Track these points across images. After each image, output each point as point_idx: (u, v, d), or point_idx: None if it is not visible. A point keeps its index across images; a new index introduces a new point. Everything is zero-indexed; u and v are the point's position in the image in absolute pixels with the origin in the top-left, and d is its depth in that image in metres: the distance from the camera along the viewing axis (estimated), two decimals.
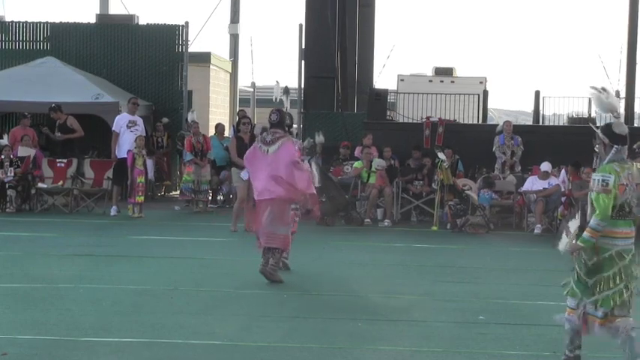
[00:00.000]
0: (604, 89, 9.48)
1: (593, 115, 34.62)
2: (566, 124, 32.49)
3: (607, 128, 9.21)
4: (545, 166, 22.82)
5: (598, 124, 9.39)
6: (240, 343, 10.76)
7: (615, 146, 9.15)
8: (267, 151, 14.51)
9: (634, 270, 9.10)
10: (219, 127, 27.03)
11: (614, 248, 9.04)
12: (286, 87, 20.61)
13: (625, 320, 9.05)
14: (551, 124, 33.19)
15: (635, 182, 9.18)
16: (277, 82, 25.92)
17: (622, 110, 8.02)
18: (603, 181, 9.03)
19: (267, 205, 14.52)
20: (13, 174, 23.20)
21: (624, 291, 9.03)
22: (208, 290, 14.12)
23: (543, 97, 34.43)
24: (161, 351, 10.44)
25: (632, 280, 9.07)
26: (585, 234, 9.00)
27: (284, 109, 15.99)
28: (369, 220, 23.08)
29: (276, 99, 17.20)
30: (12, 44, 29.49)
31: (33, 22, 29.56)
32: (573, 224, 9.27)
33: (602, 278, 9.03)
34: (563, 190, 22.31)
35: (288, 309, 12.98)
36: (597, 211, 8.98)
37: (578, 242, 9.06)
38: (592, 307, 9.10)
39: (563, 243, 9.25)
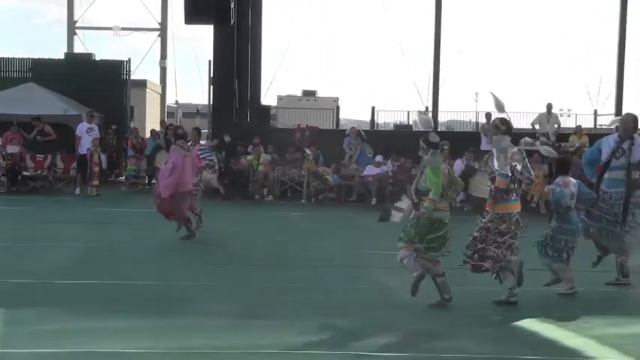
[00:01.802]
0: (425, 112, 9.83)
1: (410, 123, 35.16)
2: (392, 130, 32.89)
3: (426, 138, 9.42)
4: (378, 157, 23.11)
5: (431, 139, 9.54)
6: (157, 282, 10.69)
7: (432, 150, 9.35)
8: (186, 155, 14.50)
9: (449, 229, 9.35)
10: (153, 132, 26.92)
11: (445, 218, 9.31)
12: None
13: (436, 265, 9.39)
14: (382, 129, 33.51)
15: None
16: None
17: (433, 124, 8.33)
18: (438, 169, 9.31)
19: (188, 194, 14.58)
20: (4, 165, 23.04)
21: (445, 242, 9.32)
22: (147, 247, 13.94)
23: (377, 111, 34.83)
24: (114, 290, 10.29)
25: (448, 235, 9.35)
26: (427, 204, 9.19)
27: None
28: (258, 196, 23.04)
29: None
30: (3, 74, 28.88)
31: (18, 58, 29.13)
32: (404, 203, 9.48)
33: (437, 236, 9.25)
34: (390, 174, 22.70)
35: (206, 259, 12.90)
36: (434, 189, 9.18)
37: (422, 210, 9.20)
38: (424, 251, 9.29)
39: (398, 215, 9.48)
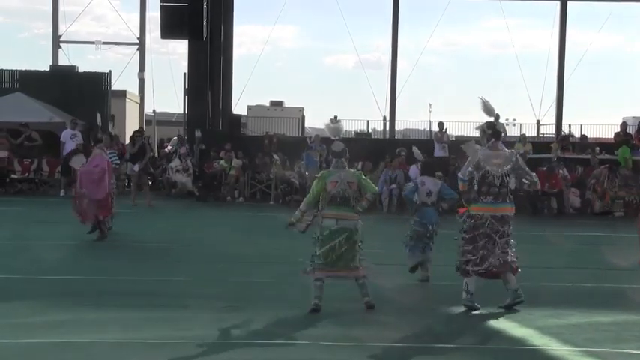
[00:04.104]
0: (335, 120, 9.63)
1: (370, 131, 35.22)
2: (353, 137, 32.99)
3: (330, 148, 9.20)
4: None
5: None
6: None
7: (335, 159, 9.14)
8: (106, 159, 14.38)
9: (355, 238, 8.77)
10: (132, 138, 26.73)
11: (334, 226, 8.74)
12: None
13: (362, 269, 8.83)
14: (344, 137, 33.47)
15: (348, 181, 8.85)
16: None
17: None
18: (317, 178, 9.01)
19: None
20: None
21: (349, 251, 8.77)
22: (125, 245, 13.85)
23: (339, 120, 34.75)
24: (95, 284, 10.13)
25: (354, 244, 8.77)
26: (295, 213, 9.01)
27: None
28: (230, 198, 22.99)
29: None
30: None
31: (6, 69, 28.83)
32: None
33: (330, 246, 8.75)
34: None
35: (183, 257, 12.77)
36: (305, 199, 9.01)
37: (291, 219, 8.96)
38: (326, 265, 8.82)
39: (301, 226, 9.15)
